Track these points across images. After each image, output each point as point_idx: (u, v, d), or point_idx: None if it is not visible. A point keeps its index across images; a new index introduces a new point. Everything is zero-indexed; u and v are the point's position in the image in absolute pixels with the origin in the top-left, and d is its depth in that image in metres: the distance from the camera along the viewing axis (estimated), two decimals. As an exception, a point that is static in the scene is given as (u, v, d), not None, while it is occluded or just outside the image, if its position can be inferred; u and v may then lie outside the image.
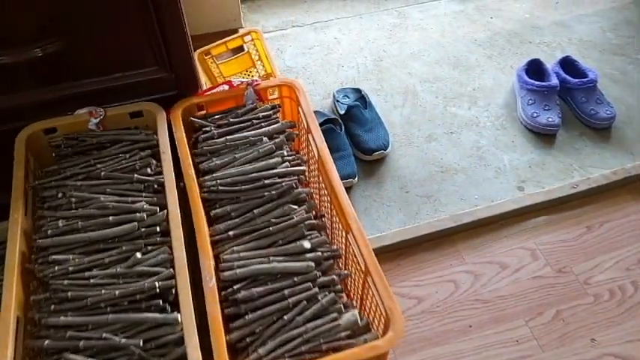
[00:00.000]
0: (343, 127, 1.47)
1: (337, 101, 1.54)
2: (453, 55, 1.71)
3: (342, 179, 1.36)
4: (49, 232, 0.80)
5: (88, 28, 0.85)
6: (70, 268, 0.76)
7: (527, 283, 1.22)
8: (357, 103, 1.50)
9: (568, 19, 1.85)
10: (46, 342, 0.71)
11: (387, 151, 1.44)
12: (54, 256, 0.77)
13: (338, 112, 1.51)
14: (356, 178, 1.39)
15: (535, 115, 1.49)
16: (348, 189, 1.37)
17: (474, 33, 1.78)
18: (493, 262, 1.27)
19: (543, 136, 1.48)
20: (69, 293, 0.74)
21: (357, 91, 1.57)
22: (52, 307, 0.74)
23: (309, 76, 1.65)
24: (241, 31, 1.53)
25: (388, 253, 1.29)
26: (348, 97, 1.56)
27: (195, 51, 1.43)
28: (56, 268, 0.77)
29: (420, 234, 1.30)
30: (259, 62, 1.54)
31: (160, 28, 0.86)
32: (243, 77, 1.55)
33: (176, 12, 0.84)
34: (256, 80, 0.97)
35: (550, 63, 1.60)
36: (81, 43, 0.86)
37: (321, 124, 1.44)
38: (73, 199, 0.83)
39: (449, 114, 1.54)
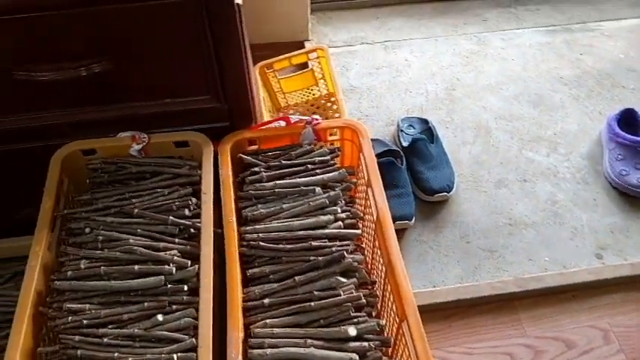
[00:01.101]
0: (405, 162, 1.35)
1: (401, 131, 1.42)
2: (535, 91, 1.55)
3: (397, 220, 1.26)
4: (69, 273, 0.72)
5: (140, 51, 0.78)
6: (85, 322, 0.68)
7: (595, 371, 1.07)
8: (423, 136, 1.37)
9: (671, 63, 1.64)
10: (47, 407, 0.63)
11: (451, 193, 1.31)
12: (69, 305, 0.70)
13: (400, 144, 1.39)
14: (413, 220, 1.27)
15: (624, 173, 1.31)
16: (402, 231, 1.26)
17: (561, 69, 1.61)
18: (558, 339, 1.12)
19: (631, 198, 1.31)
20: (79, 352, 0.66)
21: (424, 121, 1.44)
22: (60, 364, 0.66)
23: (374, 99, 1.54)
24: (307, 47, 1.43)
25: (440, 311, 1.17)
26: (414, 128, 1.44)
27: (257, 64, 1.35)
28: (69, 318, 0.69)
29: (478, 295, 1.16)
30: (322, 81, 1.44)
31: (217, 58, 0.77)
32: (304, 95, 1.45)
33: (236, 43, 0.75)
34: (316, 119, 0.86)
35: (647, 115, 1.41)
36: (130, 66, 0.78)
37: (380, 155, 1.33)
38: (100, 238, 0.75)
39: (524, 159, 1.39)
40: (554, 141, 1.43)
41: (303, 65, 1.44)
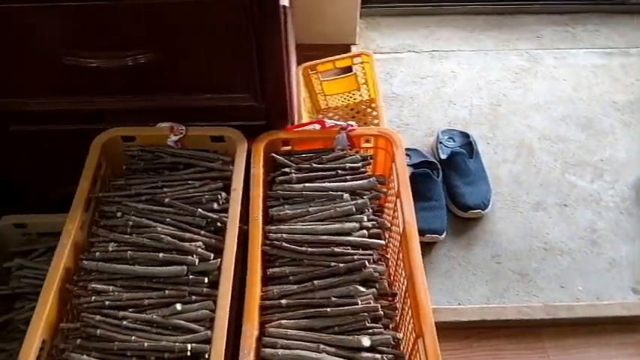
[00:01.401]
0: (441, 174, 1.33)
1: (440, 142, 1.40)
2: (584, 114, 1.50)
3: (427, 233, 1.24)
4: (97, 254, 0.74)
5: (186, 45, 0.80)
6: (107, 303, 0.70)
7: (621, 413, 1.02)
8: (463, 150, 1.35)
9: None
10: (63, 381, 0.65)
11: (486, 211, 1.28)
12: (94, 285, 0.72)
13: (439, 156, 1.37)
14: (443, 235, 1.25)
15: (672, 207, 1.25)
16: (431, 245, 1.24)
17: (614, 94, 1.55)
18: (584, 372, 1.08)
19: (676, 235, 1.25)
20: (98, 331, 0.68)
21: (465, 135, 1.41)
22: (79, 341, 0.69)
23: (415, 108, 1.52)
24: (352, 52, 1.43)
25: (462, 330, 1.14)
26: (454, 141, 1.41)
27: (302, 64, 1.36)
28: (93, 298, 0.71)
29: (504, 318, 1.13)
30: (364, 86, 1.43)
31: (259, 58, 0.78)
32: (345, 99, 1.45)
33: (278, 45, 0.75)
34: (351, 125, 0.86)
35: (702, 149, 1.34)
36: (174, 59, 0.80)
37: (417, 166, 1.31)
38: (130, 223, 0.77)
39: (566, 183, 1.35)
40: (600, 167, 1.38)
41: (347, 69, 1.43)
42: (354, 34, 1.60)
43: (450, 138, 1.41)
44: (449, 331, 1.12)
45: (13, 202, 1.02)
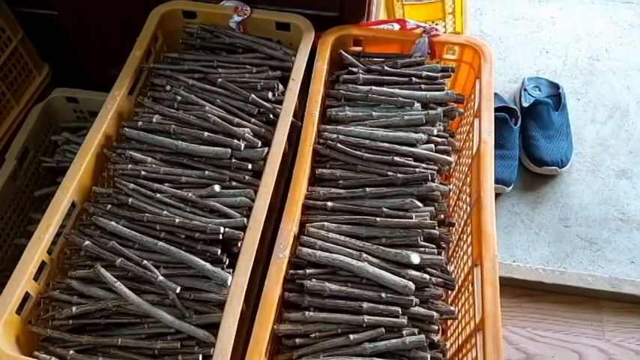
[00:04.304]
0: (519, 123, 1.20)
1: (525, 90, 1.27)
2: (696, 82, 1.32)
3: (494, 183, 1.14)
4: (140, 123, 0.69)
5: None
6: (143, 173, 0.65)
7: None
8: (549, 100, 1.21)
9: None
10: (86, 242, 0.61)
11: (563, 169, 1.16)
12: (132, 152, 0.67)
13: (520, 103, 1.24)
14: (510, 187, 1.14)
15: None
16: (496, 195, 1.13)
17: None
18: (639, 354, 0.97)
19: None
20: (130, 200, 0.64)
21: (555, 86, 1.27)
22: (109, 206, 0.64)
23: (503, 51, 1.38)
24: (444, -26, 1.29)
25: (513, 288, 1.05)
26: (540, 90, 1.27)
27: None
28: (129, 166, 0.66)
29: (563, 282, 1.04)
30: (451, 16, 1.29)
31: None
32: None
33: None
34: (436, 29, 0.75)
35: None
36: None
37: (494, 110, 1.20)
38: (179, 98, 0.71)
39: (660, 154, 1.20)
40: (701, 143, 1.21)
41: (436, -6, 1.30)
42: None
43: (537, 87, 1.28)
44: (499, 287, 1.04)
45: (68, 78, 0.99)
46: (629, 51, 1.38)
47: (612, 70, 1.35)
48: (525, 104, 1.22)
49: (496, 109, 1.20)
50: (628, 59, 1.37)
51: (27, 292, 0.59)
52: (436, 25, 1.34)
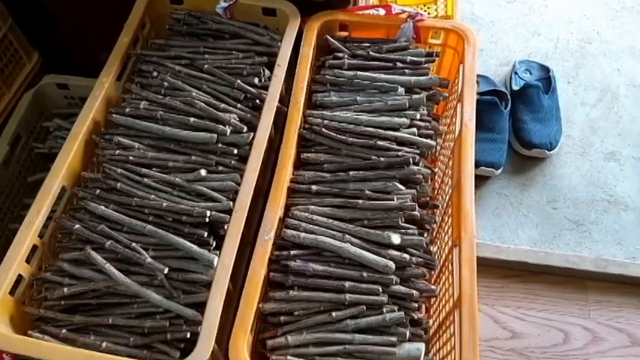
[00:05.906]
0: (509, 106, 1.21)
1: (515, 73, 1.27)
2: (686, 66, 1.32)
3: (482, 165, 1.14)
4: (127, 110, 0.70)
5: None
6: (130, 158, 0.67)
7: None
8: (539, 83, 1.22)
9: None
10: (77, 226, 0.63)
11: (552, 152, 1.17)
12: (120, 138, 0.68)
13: (510, 86, 1.25)
14: (499, 170, 1.15)
15: None
16: (484, 179, 1.15)
17: None
18: (623, 332, 1.01)
19: None
20: (119, 184, 0.65)
21: (545, 69, 1.28)
22: (98, 191, 0.66)
23: (494, 34, 1.39)
24: (434, -43, 1.28)
25: (500, 269, 1.07)
26: (530, 73, 1.28)
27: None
28: (117, 152, 0.67)
29: (548, 263, 1.06)
30: (442, 0, 1.30)
31: None
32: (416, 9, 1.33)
33: None
34: (421, 14, 0.76)
35: None
36: None
37: (484, 94, 1.20)
38: (166, 84, 0.72)
39: (648, 136, 1.21)
40: (690, 126, 1.22)
41: (426, -22, 1.30)
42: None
43: (527, 70, 1.28)
44: (486, 267, 1.06)
45: (58, 65, 0.99)
46: (621, 33, 1.39)
47: (603, 53, 1.35)
48: (515, 87, 1.23)
49: (486, 93, 1.21)
50: (619, 42, 1.37)
51: (20, 275, 0.61)
52: (428, 8, 1.36)
